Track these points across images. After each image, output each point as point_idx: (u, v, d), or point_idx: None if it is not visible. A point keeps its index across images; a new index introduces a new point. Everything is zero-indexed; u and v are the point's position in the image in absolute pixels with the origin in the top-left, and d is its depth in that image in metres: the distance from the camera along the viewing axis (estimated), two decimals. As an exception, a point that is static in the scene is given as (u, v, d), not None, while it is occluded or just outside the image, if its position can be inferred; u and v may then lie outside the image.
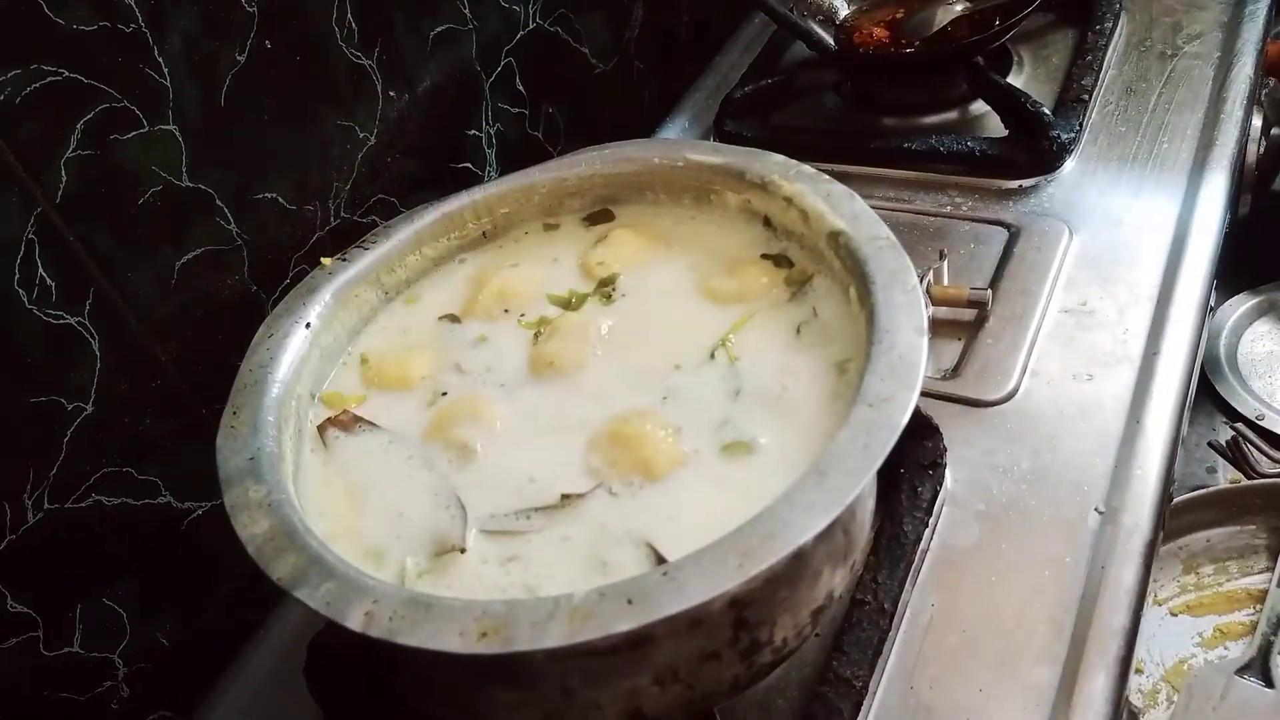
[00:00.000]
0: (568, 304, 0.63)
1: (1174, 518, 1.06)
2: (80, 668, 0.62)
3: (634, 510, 0.50)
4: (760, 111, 1.01)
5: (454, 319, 0.64)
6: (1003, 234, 0.82)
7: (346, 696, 0.59)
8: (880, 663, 0.56)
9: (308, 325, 0.59)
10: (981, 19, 0.95)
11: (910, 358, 0.48)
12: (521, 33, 0.91)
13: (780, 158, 0.63)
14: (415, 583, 0.49)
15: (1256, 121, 0.95)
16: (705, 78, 1.13)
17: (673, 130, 1.06)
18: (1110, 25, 0.99)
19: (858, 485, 0.43)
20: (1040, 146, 0.86)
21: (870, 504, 0.58)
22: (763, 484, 0.47)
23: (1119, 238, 0.80)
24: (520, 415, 0.57)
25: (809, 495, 0.43)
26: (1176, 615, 1.08)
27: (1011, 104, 0.89)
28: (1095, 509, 0.62)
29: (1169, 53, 0.97)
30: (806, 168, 0.61)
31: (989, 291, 0.74)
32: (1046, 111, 0.87)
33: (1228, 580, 1.10)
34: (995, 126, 0.91)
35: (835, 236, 0.57)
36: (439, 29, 0.82)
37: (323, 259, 0.63)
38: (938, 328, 0.75)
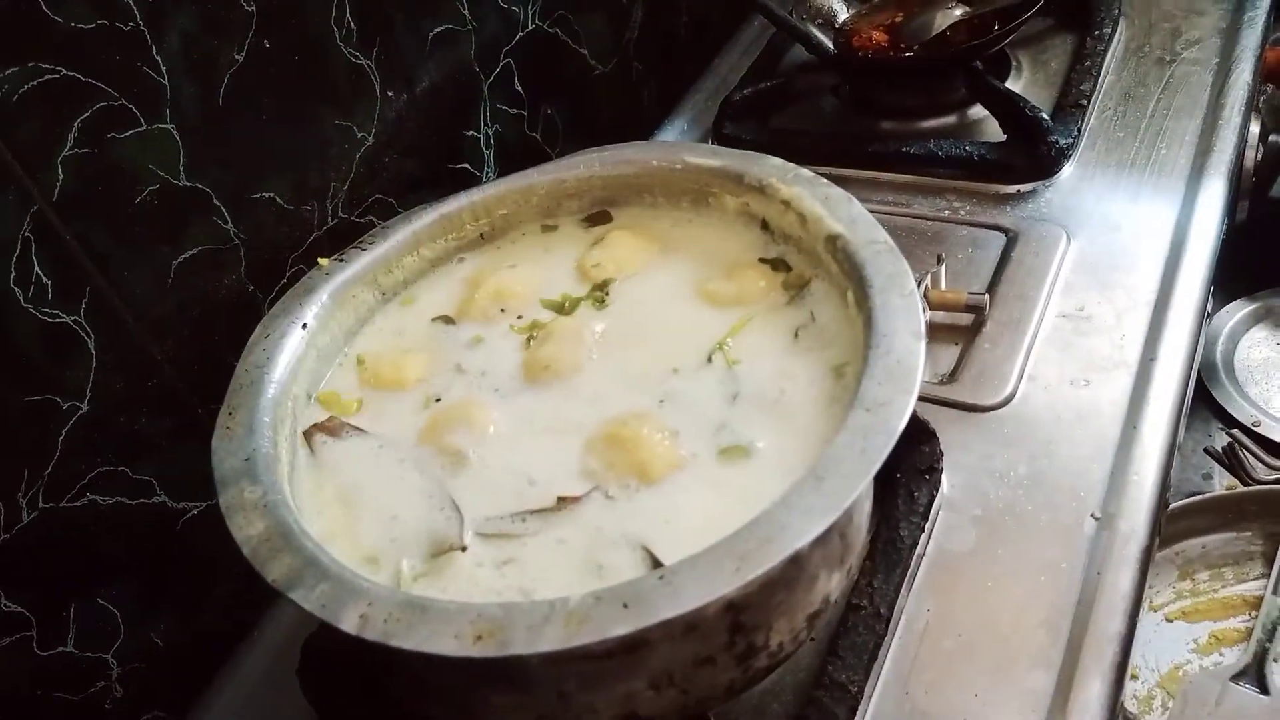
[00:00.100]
0: (561, 308, 0.63)
1: (1170, 524, 1.07)
2: (74, 668, 0.62)
3: (630, 513, 0.50)
4: (759, 114, 1.01)
5: (448, 320, 0.64)
6: (1000, 239, 0.82)
7: (340, 698, 0.59)
8: (876, 667, 0.56)
9: (304, 326, 0.59)
10: (980, 23, 0.95)
11: (908, 362, 0.48)
12: (520, 34, 0.91)
13: (778, 161, 0.63)
14: (411, 585, 0.48)
15: (1254, 128, 0.96)
16: (704, 80, 1.13)
17: (671, 132, 1.06)
18: (1109, 30, 0.99)
19: (855, 490, 0.43)
20: (1038, 151, 0.86)
21: (867, 508, 0.58)
22: (760, 488, 0.47)
23: (1117, 243, 0.80)
24: (515, 418, 0.57)
25: (806, 499, 0.43)
26: (1172, 621, 1.08)
27: (1010, 109, 0.89)
28: (1091, 515, 0.62)
29: (1167, 58, 0.97)
30: (805, 171, 0.62)
31: (986, 296, 0.74)
32: (1045, 116, 0.87)
33: (1223, 586, 1.10)
34: (994, 131, 0.91)
35: (833, 240, 0.57)
36: (438, 29, 0.82)
37: (320, 259, 0.63)
38: (935, 332, 0.75)
